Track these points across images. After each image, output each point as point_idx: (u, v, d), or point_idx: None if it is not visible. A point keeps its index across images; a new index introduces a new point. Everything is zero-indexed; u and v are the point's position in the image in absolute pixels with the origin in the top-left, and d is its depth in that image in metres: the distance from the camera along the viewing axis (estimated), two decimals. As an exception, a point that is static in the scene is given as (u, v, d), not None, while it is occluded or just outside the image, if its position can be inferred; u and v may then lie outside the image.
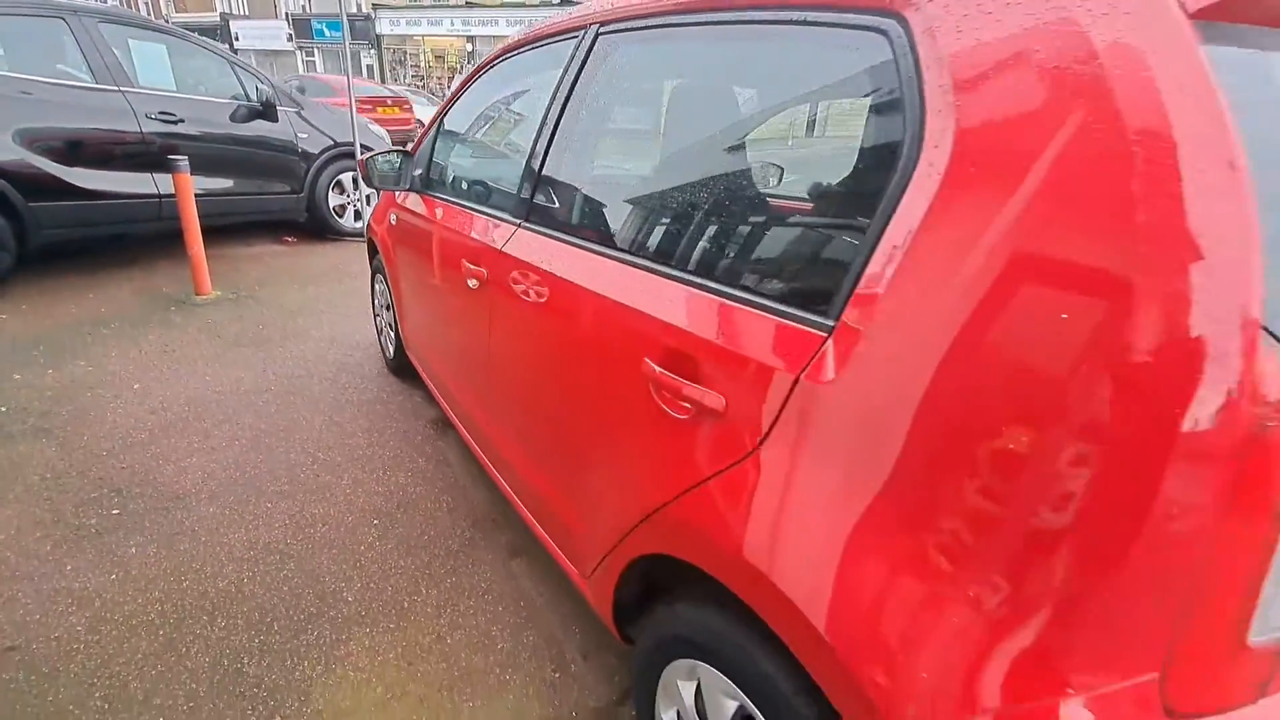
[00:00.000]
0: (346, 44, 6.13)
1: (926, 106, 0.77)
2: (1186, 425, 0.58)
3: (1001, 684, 0.68)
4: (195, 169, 4.12)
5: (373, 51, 25.00)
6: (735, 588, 0.93)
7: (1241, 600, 0.63)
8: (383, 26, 24.26)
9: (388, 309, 3.06)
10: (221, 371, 3.17)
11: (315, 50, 27.29)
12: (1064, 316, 0.63)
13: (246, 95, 4.93)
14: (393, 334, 3.05)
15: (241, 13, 30.08)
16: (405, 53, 24.88)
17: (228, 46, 30.24)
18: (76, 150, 3.96)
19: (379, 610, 1.80)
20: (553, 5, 19.98)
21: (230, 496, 2.24)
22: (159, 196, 4.30)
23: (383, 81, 25.36)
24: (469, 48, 22.60)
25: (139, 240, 5.08)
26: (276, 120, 5.08)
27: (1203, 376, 0.57)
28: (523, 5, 17.09)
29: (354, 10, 26.29)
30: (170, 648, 1.64)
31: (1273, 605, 0.64)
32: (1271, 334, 0.58)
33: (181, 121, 4.45)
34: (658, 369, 1.06)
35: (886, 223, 0.79)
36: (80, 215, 4.07)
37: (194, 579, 1.87)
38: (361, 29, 24.89)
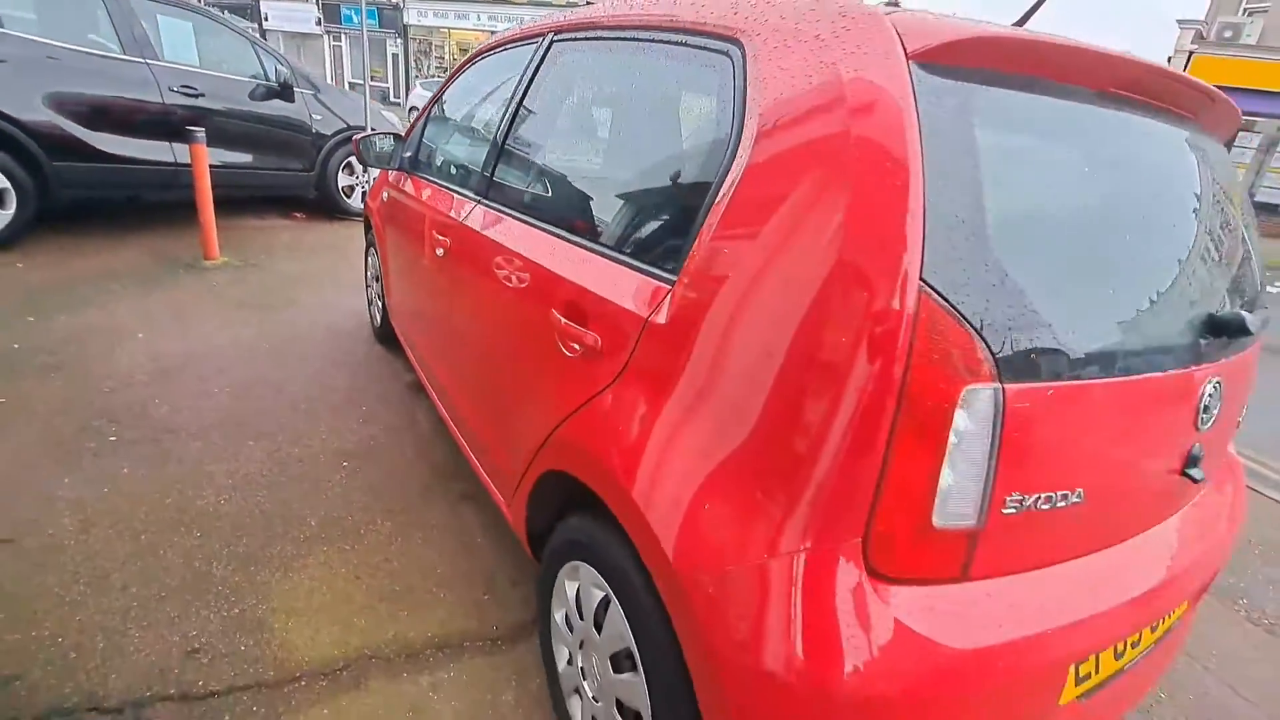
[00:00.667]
0: (364, 32, 6.41)
1: (746, 113, 1.00)
2: (873, 355, 0.81)
3: (768, 541, 0.91)
4: (212, 142, 4.40)
5: (399, 41, 25.40)
6: (597, 488, 1.16)
7: (922, 493, 0.85)
8: (410, 17, 24.64)
9: (376, 280, 3.31)
10: (221, 328, 3.42)
11: (342, 36, 27.72)
12: (806, 273, 0.86)
13: (266, 75, 5.20)
14: (380, 304, 3.30)
15: (273, -6, 30.55)
16: (431, 44, 25.26)
17: (257, 26, 30.73)
18: (100, 115, 4.22)
19: (337, 535, 2.03)
20: (577, 4, 20.26)
21: (216, 434, 2.48)
22: (175, 165, 4.56)
23: (407, 71, 25.73)
24: (493, 43, 22.97)
25: (154, 205, 5.35)
26: (293, 101, 5.35)
27: (885, 314, 0.80)
28: (548, 4, 17.39)
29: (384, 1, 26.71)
30: (150, 550, 1.88)
31: (948, 499, 0.86)
32: (933, 288, 0.80)
33: (202, 96, 4.72)
34: (559, 316, 1.29)
35: (713, 203, 1.02)
36: (100, 177, 4.34)
37: (176, 498, 2.11)
38: (390, 18, 25.29)
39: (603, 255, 1.26)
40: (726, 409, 0.95)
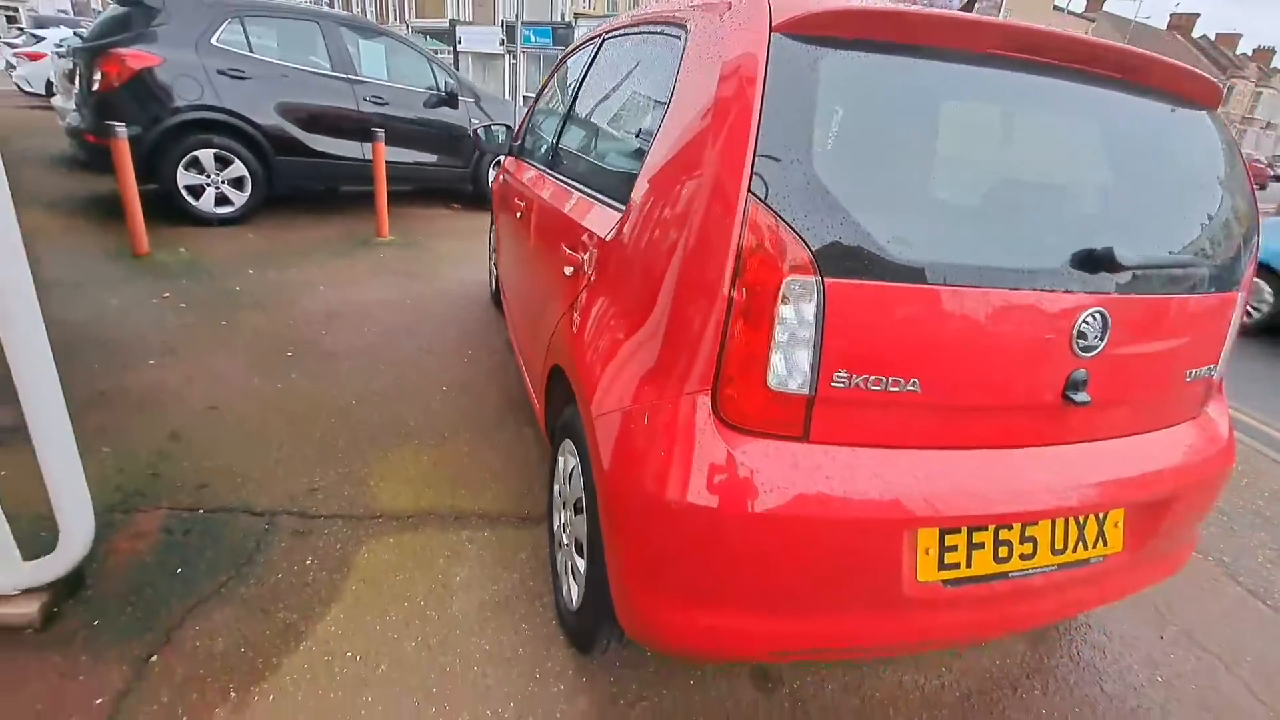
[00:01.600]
0: (518, 49, 7.22)
1: (677, 80, 1.31)
2: (715, 249, 1.10)
3: (645, 394, 1.22)
4: (393, 142, 5.37)
5: (568, 56, 27.46)
6: (566, 371, 1.53)
7: (756, 360, 1.11)
8: (580, 33, 26.58)
9: (492, 252, 3.93)
10: (380, 288, 4.26)
11: (520, 54, 30.54)
12: (689, 193, 1.17)
13: (437, 87, 6.18)
14: (494, 271, 3.92)
15: (466, 19, 34.44)
16: (596, 57, 27.02)
17: (452, 49, 34.65)
18: (312, 121, 5.35)
19: (429, 436, 2.59)
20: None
21: (361, 359, 3.19)
22: (364, 161, 5.62)
23: (573, 83, 27.68)
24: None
25: (348, 194, 6.56)
26: (457, 108, 6.29)
27: (725, 218, 1.09)
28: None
29: (558, 19, 29.02)
30: (300, 426, 2.56)
31: (778, 368, 1.12)
32: (760, 198, 1.07)
33: (387, 104, 5.76)
34: (564, 248, 1.68)
35: (650, 148, 1.34)
36: (310, 170, 5.49)
37: (324, 397, 2.80)
38: (563, 35, 27.42)
39: (594, 198, 1.63)
40: (632, 297, 1.27)
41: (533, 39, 29.16)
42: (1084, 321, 1.20)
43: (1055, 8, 25.58)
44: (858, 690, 1.66)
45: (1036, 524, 1.31)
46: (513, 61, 31.01)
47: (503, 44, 31.35)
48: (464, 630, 1.69)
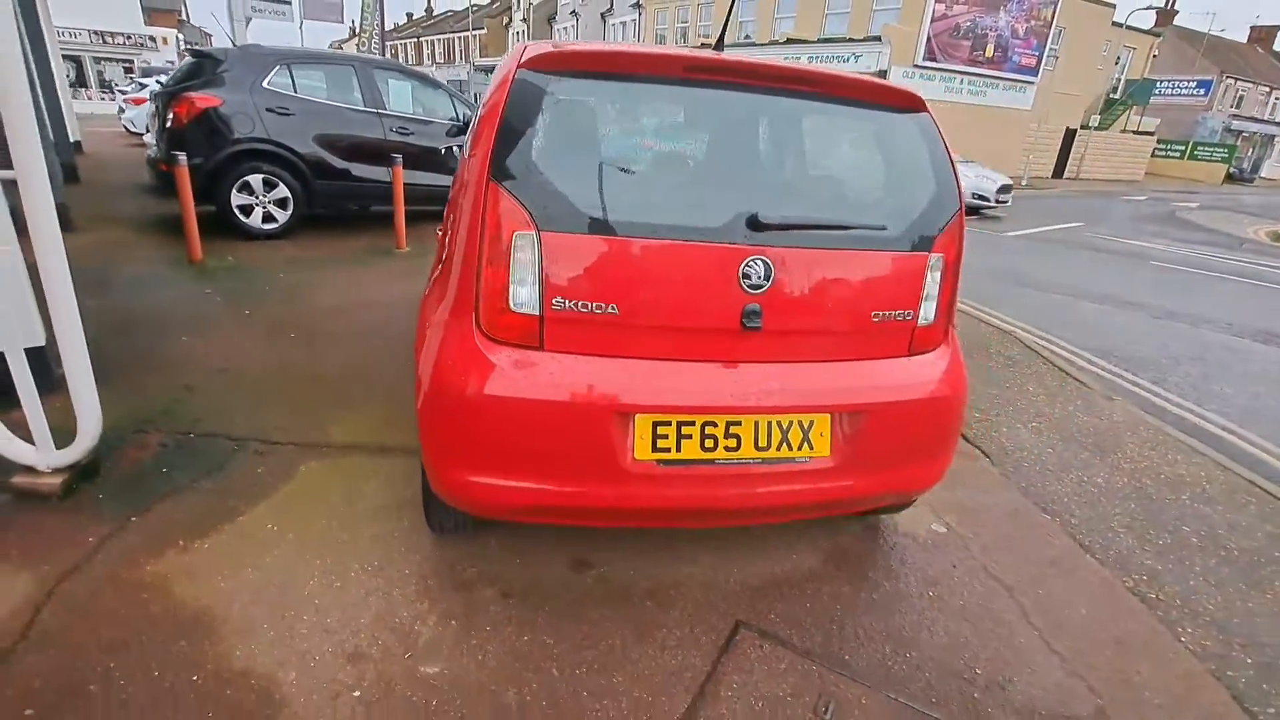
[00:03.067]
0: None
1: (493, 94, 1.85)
2: (474, 216, 1.61)
3: (436, 317, 1.73)
4: (418, 167, 6.14)
5: (618, 87, 28.68)
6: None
7: (500, 291, 1.61)
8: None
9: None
10: (385, 289, 4.95)
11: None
12: (469, 176, 1.69)
13: (457, 118, 6.97)
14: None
15: (526, 57, 36.35)
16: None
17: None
18: (346, 149, 6.20)
19: (386, 396, 3.16)
20: (778, 43, 21.23)
21: (352, 341, 3.84)
22: (389, 184, 6.43)
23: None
24: (697, 82, 24.90)
25: (377, 214, 7.42)
26: (475, 135, 7.06)
27: (477, 195, 1.60)
28: (842, 40, 18.44)
29: (608, 52, 30.35)
30: (290, 386, 3.18)
31: (514, 296, 1.60)
32: (498, 181, 1.58)
33: (411, 134, 6.57)
34: (437, 229, 2.23)
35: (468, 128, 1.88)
36: (343, 191, 6.34)
37: (316, 364, 3.43)
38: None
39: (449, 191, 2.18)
40: (445, 251, 1.79)
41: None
42: (747, 265, 1.63)
43: (1114, 23, 24.82)
44: (649, 574, 2.08)
45: (740, 423, 1.72)
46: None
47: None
48: (361, 519, 2.22)
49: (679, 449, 1.71)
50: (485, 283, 1.63)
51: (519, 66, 1.65)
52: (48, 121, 8.67)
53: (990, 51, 20.15)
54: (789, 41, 21.05)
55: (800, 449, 1.78)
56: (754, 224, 1.63)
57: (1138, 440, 3.52)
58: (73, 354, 2.12)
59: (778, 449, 1.76)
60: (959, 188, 1.88)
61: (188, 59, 5.95)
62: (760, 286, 1.66)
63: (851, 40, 19.53)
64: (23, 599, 1.77)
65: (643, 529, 2.21)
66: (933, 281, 1.85)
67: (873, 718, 1.66)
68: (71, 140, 8.64)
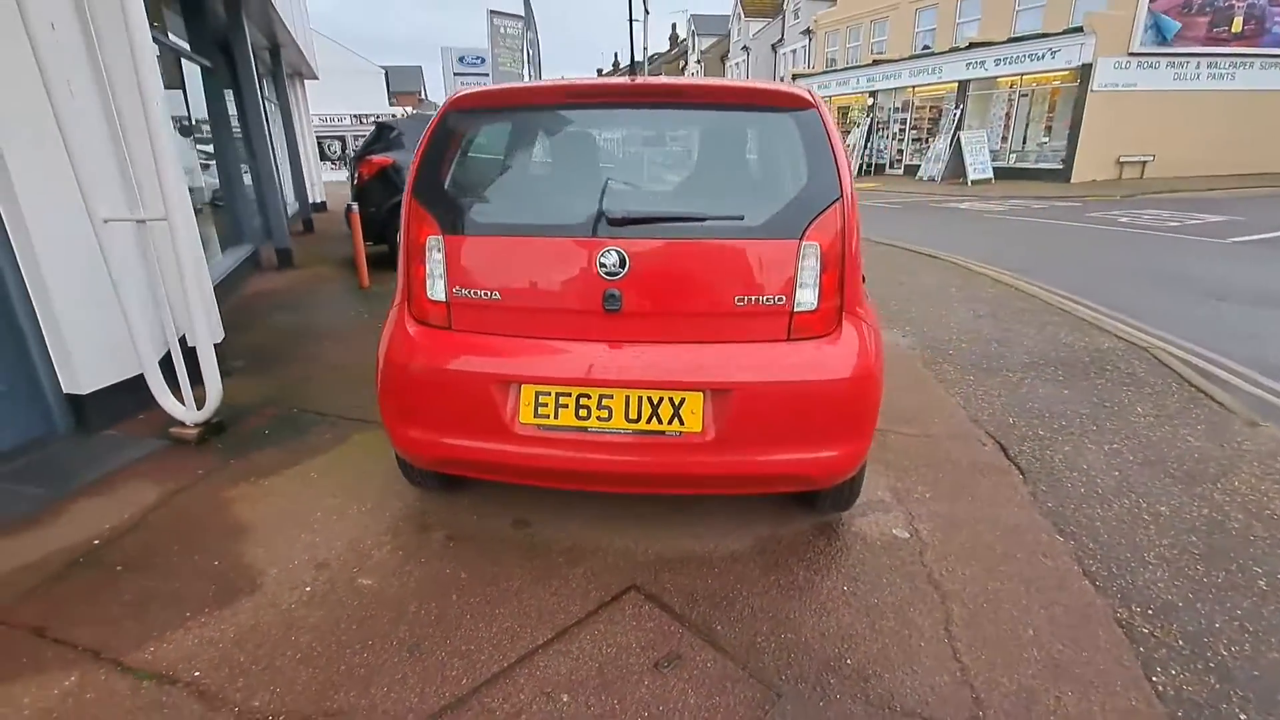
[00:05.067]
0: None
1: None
2: (404, 224, 2.08)
3: (392, 309, 2.21)
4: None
5: (788, 115, 28.63)
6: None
7: (422, 283, 2.04)
8: (798, 92, 27.63)
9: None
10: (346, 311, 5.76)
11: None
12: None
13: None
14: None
15: (702, 96, 37.92)
16: (815, 113, 27.72)
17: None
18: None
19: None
20: (959, 49, 19.76)
21: (325, 338, 4.59)
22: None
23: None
24: (870, 101, 23.93)
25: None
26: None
27: (405, 206, 2.06)
28: (1034, 36, 17.48)
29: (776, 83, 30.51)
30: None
31: (430, 287, 2.02)
32: (416, 198, 2.02)
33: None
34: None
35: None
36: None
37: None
38: (782, 97, 28.80)
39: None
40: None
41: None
42: (603, 256, 1.87)
43: None
44: (576, 536, 2.33)
45: (612, 396, 1.94)
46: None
47: (730, 112, 33.70)
48: (374, 475, 2.78)
49: (556, 416, 1.97)
50: (413, 278, 2.07)
51: (445, 108, 2.10)
52: (290, 188, 11.25)
53: (1238, 25, 16.66)
54: (970, 46, 19.46)
55: (671, 423, 1.94)
56: (610, 220, 1.88)
57: (1259, 471, 2.89)
58: (205, 352, 3.00)
59: (648, 422, 1.94)
60: (840, 179, 1.92)
61: (373, 129, 7.51)
62: (616, 274, 1.89)
63: (1046, 36, 17.47)
64: (144, 503, 2.58)
65: (598, 494, 2.45)
66: (809, 269, 1.91)
67: (707, 677, 1.74)
68: (314, 201, 11.16)
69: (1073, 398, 3.69)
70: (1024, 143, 19.18)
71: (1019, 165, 19.01)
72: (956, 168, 19.05)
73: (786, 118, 1.97)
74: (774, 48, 31.71)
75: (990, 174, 18.46)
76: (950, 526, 2.45)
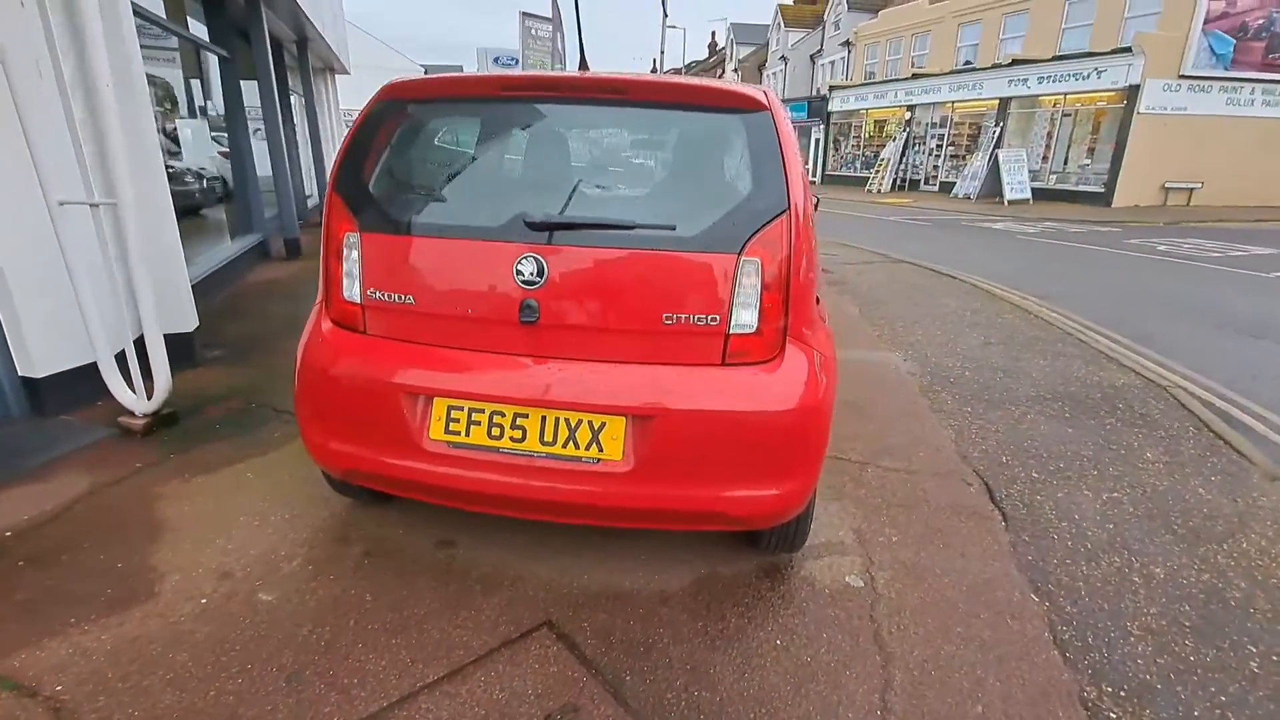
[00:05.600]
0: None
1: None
2: (324, 219, 1.95)
3: (316, 308, 2.09)
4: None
5: (821, 126, 28.25)
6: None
7: (339, 283, 1.91)
8: (834, 104, 27.21)
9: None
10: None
11: (780, 129, 32.25)
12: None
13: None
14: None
15: (737, 104, 37.62)
16: (850, 125, 27.27)
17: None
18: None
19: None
20: (1001, 65, 19.18)
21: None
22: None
23: (826, 152, 28.25)
24: (907, 115, 23.41)
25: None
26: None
27: (326, 202, 1.94)
28: (1080, 55, 16.97)
29: (812, 93, 30.15)
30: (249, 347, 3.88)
31: (346, 287, 1.89)
32: (337, 192, 1.89)
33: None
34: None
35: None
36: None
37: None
38: (818, 107, 28.44)
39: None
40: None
41: (790, 115, 30.72)
42: (520, 263, 1.71)
43: None
44: (499, 563, 2.17)
45: (528, 415, 1.78)
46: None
47: (764, 122, 33.42)
48: (309, 480, 2.65)
49: (468, 434, 1.82)
50: (330, 276, 1.95)
51: (375, 98, 1.97)
52: (313, 180, 11.38)
53: (1298, 52, 15.85)
54: (1014, 63, 18.89)
55: (589, 449, 1.77)
56: (529, 224, 1.72)
57: (1272, 533, 2.60)
58: (153, 340, 2.94)
59: (564, 446, 1.77)
60: (789, 190, 1.73)
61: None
62: (534, 283, 1.73)
63: (1092, 55, 16.85)
64: (72, 494, 2.50)
65: (522, 521, 2.29)
66: (747, 287, 1.72)
67: (601, 736, 1.57)
68: (335, 193, 11.25)
69: (1076, 438, 3.42)
70: (1065, 164, 18.53)
71: (1058, 187, 18.36)
72: (993, 186, 18.49)
73: (735, 120, 1.80)
74: (812, 58, 31.30)
75: (1028, 194, 17.88)
76: (912, 576, 2.23)
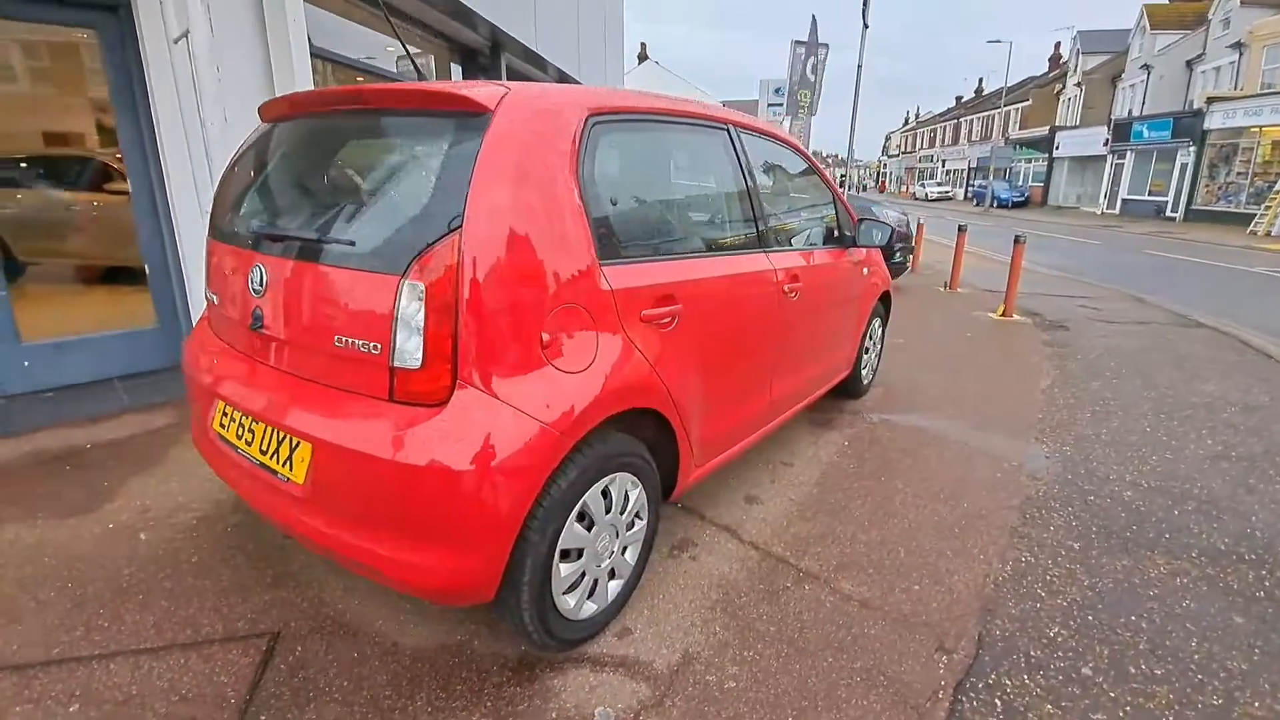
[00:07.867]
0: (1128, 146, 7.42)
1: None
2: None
3: None
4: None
5: (1191, 148, 21.86)
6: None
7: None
8: (1213, 121, 20.79)
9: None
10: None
11: (1127, 153, 26.00)
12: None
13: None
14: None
15: (1072, 123, 31.55)
16: (1236, 147, 20.53)
17: (1047, 155, 32.39)
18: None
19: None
20: None
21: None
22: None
23: (1194, 180, 21.90)
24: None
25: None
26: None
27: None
28: None
29: (1181, 107, 23.49)
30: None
31: (206, 289, 2.16)
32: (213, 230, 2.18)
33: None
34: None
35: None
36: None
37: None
38: (1187, 125, 22.16)
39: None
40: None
41: (1145, 134, 24.64)
42: (253, 271, 1.74)
43: None
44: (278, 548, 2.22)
45: (257, 421, 1.80)
46: (1118, 161, 26.73)
47: (1106, 143, 27.55)
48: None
49: (226, 428, 1.92)
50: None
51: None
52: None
53: None
54: None
55: (284, 466, 1.71)
56: (252, 235, 1.76)
57: None
58: None
59: (270, 457, 1.75)
60: (469, 203, 1.43)
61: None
62: (259, 291, 1.74)
63: None
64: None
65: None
66: (412, 315, 1.47)
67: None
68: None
69: (1229, 636, 2.05)
70: None
71: None
72: None
73: (445, 123, 1.56)
74: (1189, 64, 24.46)
75: None
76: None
